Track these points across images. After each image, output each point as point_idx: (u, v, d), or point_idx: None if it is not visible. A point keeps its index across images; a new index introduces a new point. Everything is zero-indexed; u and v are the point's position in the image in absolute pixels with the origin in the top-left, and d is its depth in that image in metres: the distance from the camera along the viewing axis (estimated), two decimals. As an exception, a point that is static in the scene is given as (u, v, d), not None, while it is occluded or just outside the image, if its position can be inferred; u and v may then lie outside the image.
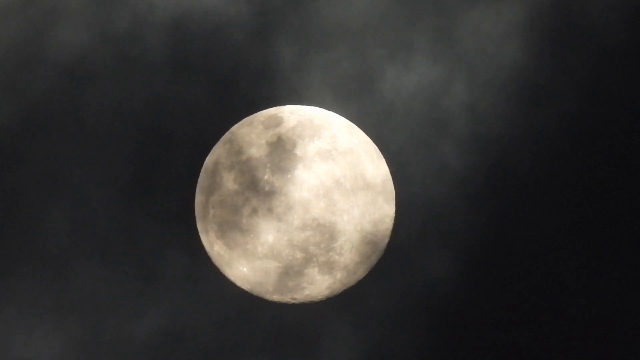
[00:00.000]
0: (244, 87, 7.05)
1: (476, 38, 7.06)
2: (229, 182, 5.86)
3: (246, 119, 6.21)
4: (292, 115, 6.03)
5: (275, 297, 6.07)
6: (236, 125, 6.21)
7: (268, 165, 5.77)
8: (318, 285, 5.94)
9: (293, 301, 6.08)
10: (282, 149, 5.80)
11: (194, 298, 6.96)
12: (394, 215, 6.25)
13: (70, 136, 6.99)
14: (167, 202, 6.95)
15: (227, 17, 7.00)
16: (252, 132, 5.97)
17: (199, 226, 6.17)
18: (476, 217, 6.99)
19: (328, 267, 5.86)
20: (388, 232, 6.21)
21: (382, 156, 6.28)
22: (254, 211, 5.74)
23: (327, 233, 5.76)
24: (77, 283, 6.93)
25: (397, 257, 6.87)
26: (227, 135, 6.18)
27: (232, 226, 5.82)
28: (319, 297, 6.10)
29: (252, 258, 5.82)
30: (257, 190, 5.74)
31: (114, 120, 7.00)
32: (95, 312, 6.91)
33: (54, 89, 6.99)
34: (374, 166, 6.05)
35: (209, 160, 6.17)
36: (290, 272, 5.82)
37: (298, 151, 5.79)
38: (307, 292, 5.97)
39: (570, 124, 7.03)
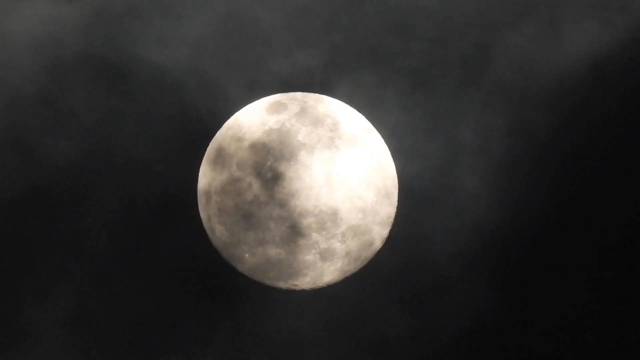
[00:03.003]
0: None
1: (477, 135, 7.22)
2: (232, 167, 5.85)
3: (250, 104, 6.19)
4: (296, 101, 6.00)
5: (276, 284, 6.08)
6: (240, 111, 6.19)
7: (271, 151, 5.75)
8: (319, 272, 5.95)
9: (294, 287, 6.10)
10: (285, 135, 5.78)
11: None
12: (396, 202, 6.26)
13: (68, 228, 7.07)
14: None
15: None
16: (255, 118, 5.95)
17: (202, 212, 6.17)
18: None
19: (330, 254, 5.87)
20: (391, 220, 6.21)
21: (386, 147, 6.26)
22: (256, 197, 5.74)
23: (329, 220, 5.76)
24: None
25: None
26: (230, 121, 6.16)
27: (234, 212, 5.82)
28: (320, 284, 6.12)
29: (254, 244, 5.83)
30: (260, 176, 5.73)
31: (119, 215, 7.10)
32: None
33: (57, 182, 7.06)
34: (377, 153, 6.04)
35: (212, 145, 6.15)
36: (291, 258, 5.84)
37: (301, 137, 5.77)
38: (308, 278, 5.98)
39: (559, 216, 7.17)
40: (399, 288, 7.13)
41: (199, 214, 6.32)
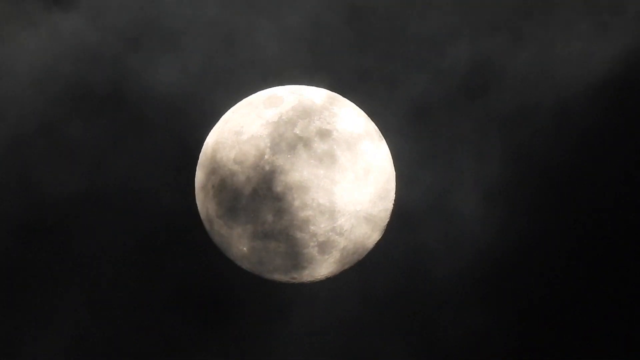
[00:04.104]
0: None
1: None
2: (229, 161, 5.85)
3: (247, 98, 6.20)
4: (293, 94, 6.01)
5: (275, 277, 6.07)
6: (237, 105, 6.19)
7: (268, 144, 5.75)
8: (317, 264, 5.94)
9: (293, 280, 6.08)
10: (282, 129, 5.78)
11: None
12: (393, 197, 6.26)
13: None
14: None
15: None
16: (252, 111, 5.95)
17: (199, 206, 6.17)
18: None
19: (327, 246, 5.86)
20: (389, 212, 6.21)
21: (382, 137, 6.26)
22: (254, 190, 5.73)
23: (327, 213, 5.75)
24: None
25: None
26: (227, 114, 6.17)
27: (232, 205, 5.82)
28: (319, 277, 6.11)
29: (252, 237, 5.82)
30: (257, 169, 5.73)
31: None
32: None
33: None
34: (374, 146, 6.04)
35: (209, 139, 6.16)
36: (289, 251, 5.82)
37: (298, 131, 5.78)
38: (306, 271, 5.97)
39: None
40: (397, 308, 7.14)
41: (200, 240, 6.36)
